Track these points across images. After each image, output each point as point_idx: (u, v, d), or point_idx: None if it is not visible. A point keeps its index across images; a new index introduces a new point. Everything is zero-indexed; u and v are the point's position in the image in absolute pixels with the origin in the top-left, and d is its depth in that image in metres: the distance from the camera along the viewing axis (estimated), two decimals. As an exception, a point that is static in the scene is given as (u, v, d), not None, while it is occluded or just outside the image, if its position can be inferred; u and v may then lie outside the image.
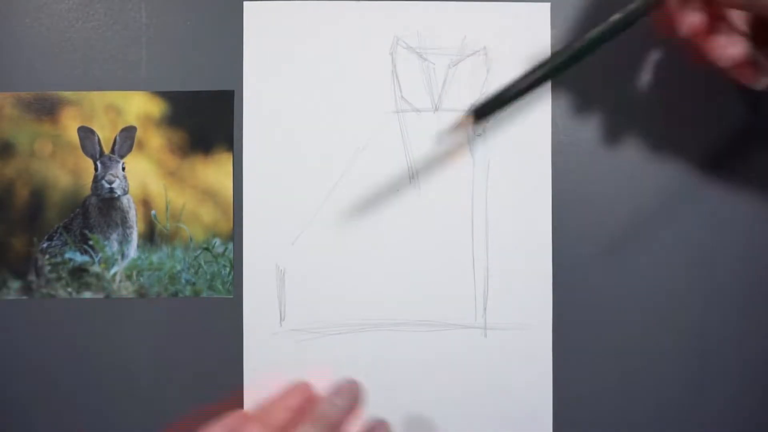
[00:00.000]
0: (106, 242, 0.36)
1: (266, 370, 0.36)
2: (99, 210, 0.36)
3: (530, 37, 0.37)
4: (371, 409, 0.36)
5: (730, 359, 0.37)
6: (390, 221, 0.37)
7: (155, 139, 0.36)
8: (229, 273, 0.36)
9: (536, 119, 0.37)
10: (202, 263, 0.36)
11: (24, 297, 0.36)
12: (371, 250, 0.37)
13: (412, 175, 0.37)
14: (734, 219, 0.37)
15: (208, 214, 0.36)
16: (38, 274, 0.36)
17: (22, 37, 0.36)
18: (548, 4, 0.37)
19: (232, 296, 0.37)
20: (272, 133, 0.37)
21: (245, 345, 0.36)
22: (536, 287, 0.37)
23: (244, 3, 0.36)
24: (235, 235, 0.37)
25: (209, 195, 0.36)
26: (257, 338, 0.36)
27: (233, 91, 0.36)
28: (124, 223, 0.36)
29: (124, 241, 0.36)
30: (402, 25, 0.37)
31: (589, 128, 0.37)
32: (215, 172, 0.36)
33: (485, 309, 0.37)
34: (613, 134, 0.37)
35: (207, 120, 0.36)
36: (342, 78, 0.37)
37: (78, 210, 0.36)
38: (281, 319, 0.37)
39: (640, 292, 0.37)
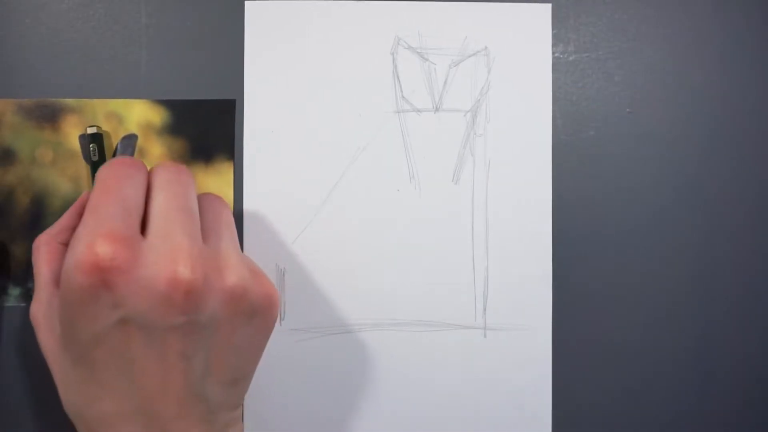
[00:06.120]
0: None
1: (266, 370, 0.36)
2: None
3: (531, 37, 0.37)
4: (370, 409, 0.37)
5: (731, 360, 0.37)
6: (390, 221, 0.37)
7: (156, 148, 0.36)
8: None
9: (536, 119, 0.37)
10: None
11: (23, 304, 0.36)
12: (371, 249, 0.37)
13: (412, 175, 0.37)
14: (734, 219, 0.37)
15: None
16: (38, 282, 0.36)
17: (22, 38, 0.36)
18: (549, 5, 0.37)
19: (232, 296, 0.37)
20: (272, 133, 0.37)
21: (246, 345, 0.36)
22: (536, 288, 0.37)
23: (246, 2, 0.36)
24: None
25: None
26: (258, 338, 0.36)
27: (235, 100, 0.36)
28: None
29: None
30: (403, 25, 0.37)
31: (590, 128, 0.37)
32: (216, 180, 0.36)
33: (485, 309, 0.37)
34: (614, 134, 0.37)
35: (208, 129, 0.36)
36: (342, 78, 0.37)
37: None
38: (281, 318, 0.37)
39: (640, 292, 0.37)
